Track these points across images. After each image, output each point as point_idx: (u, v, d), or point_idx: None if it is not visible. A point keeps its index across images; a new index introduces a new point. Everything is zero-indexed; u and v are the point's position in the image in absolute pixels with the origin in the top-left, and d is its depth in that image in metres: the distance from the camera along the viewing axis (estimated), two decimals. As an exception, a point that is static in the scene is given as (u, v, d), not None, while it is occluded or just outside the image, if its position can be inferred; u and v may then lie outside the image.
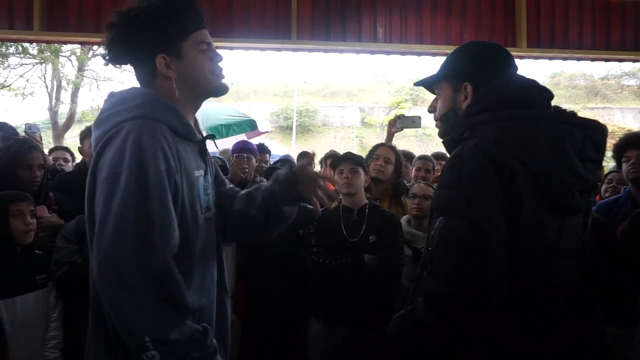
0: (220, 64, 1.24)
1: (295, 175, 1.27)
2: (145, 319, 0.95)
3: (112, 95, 1.18)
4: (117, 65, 1.21)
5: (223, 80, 1.25)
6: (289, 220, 1.37)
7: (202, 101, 1.27)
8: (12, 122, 2.75)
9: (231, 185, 1.45)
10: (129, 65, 1.20)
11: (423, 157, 3.59)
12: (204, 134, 1.30)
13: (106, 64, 1.20)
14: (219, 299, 1.27)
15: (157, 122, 1.08)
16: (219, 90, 1.24)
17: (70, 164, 3.73)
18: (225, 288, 1.34)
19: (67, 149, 4.07)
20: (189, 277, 1.11)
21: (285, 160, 3.71)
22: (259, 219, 1.31)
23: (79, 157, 3.41)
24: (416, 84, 1.45)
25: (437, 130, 1.36)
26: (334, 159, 2.47)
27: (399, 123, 3.07)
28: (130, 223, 0.95)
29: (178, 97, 1.17)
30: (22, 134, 2.70)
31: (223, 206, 1.35)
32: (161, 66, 1.15)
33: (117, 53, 1.17)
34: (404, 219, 2.59)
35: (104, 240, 0.95)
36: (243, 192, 1.37)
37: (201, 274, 1.17)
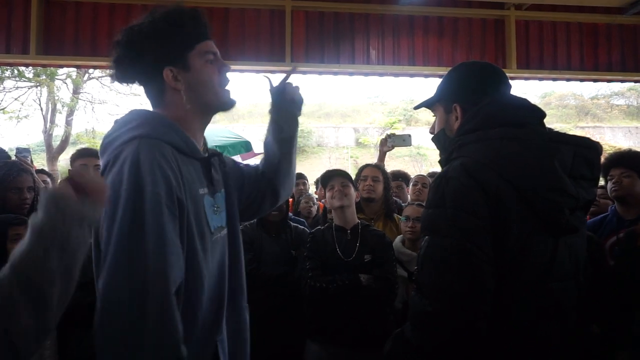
0: (227, 75, 1.23)
1: (277, 94, 1.44)
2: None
3: (116, 121, 1.16)
4: (126, 84, 1.19)
5: (231, 96, 1.24)
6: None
7: (211, 116, 1.25)
8: (6, 145, 2.76)
9: (254, 165, 1.50)
10: (136, 83, 1.19)
11: (419, 175, 3.73)
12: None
13: (112, 82, 1.18)
14: (236, 316, 1.25)
15: (157, 140, 1.06)
16: (227, 104, 1.23)
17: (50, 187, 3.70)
18: (244, 306, 1.31)
19: (47, 173, 4.04)
20: (196, 305, 1.08)
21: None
22: (285, 154, 1.45)
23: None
24: (416, 108, 1.49)
25: (430, 149, 1.38)
26: (322, 177, 2.48)
27: (390, 142, 3.11)
28: (125, 256, 0.93)
29: (187, 112, 1.16)
30: (13, 157, 2.69)
31: (258, 182, 1.43)
32: (169, 79, 1.14)
33: (124, 71, 1.16)
34: (398, 239, 2.59)
35: (105, 272, 0.94)
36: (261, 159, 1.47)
37: (209, 299, 1.14)
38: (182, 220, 1.03)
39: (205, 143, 1.30)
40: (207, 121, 1.26)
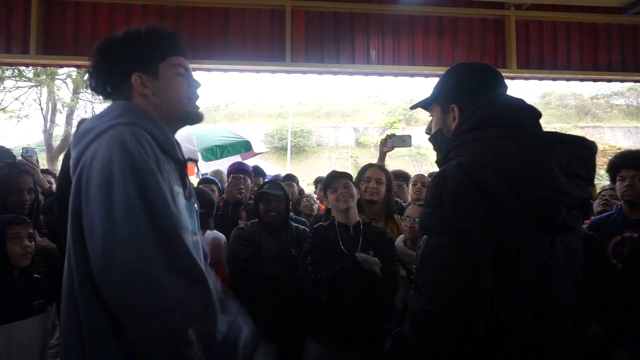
0: (197, 92, 1.24)
1: None
2: (186, 307, 0.94)
3: (84, 119, 1.20)
4: (98, 94, 1.21)
5: (199, 110, 1.25)
6: None
7: (176, 128, 1.25)
8: (7, 145, 2.76)
9: None
10: (107, 95, 1.21)
11: (419, 174, 3.72)
12: (199, 156, 1.30)
13: (86, 89, 1.20)
14: None
15: (138, 127, 1.07)
16: (193, 116, 1.24)
17: (54, 187, 3.70)
18: None
19: (51, 173, 4.04)
20: None
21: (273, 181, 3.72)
22: None
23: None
24: (412, 107, 1.49)
25: (430, 149, 1.38)
26: (324, 182, 2.47)
27: (390, 142, 3.10)
28: (141, 228, 0.94)
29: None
30: (19, 157, 2.70)
31: None
32: (137, 83, 1.16)
33: (97, 76, 1.19)
34: (399, 239, 2.59)
35: (118, 248, 0.93)
36: None
37: None
38: None
39: (179, 148, 1.29)
40: (172, 132, 1.23)
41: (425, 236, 1.11)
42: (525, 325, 1.08)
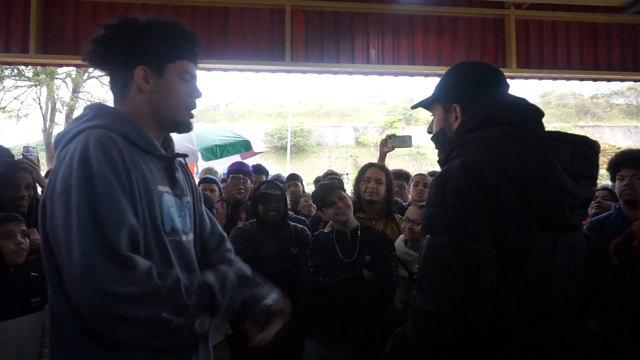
0: (196, 102, 1.22)
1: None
2: (149, 303, 0.95)
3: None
4: (96, 67, 1.19)
5: (190, 120, 1.22)
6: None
7: (164, 132, 1.22)
8: (6, 144, 2.76)
9: (215, 231, 1.38)
10: (107, 72, 1.19)
11: (420, 174, 3.66)
12: (198, 155, 1.28)
13: (85, 60, 1.16)
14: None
15: (107, 130, 1.05)
16: (183, 126, 1.21)
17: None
18: None
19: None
20: None
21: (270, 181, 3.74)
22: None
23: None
24: (413, 107, 1.49)
25: (430, 149, 1.38)
26: (317, 199, 2.46)
27: (390, 143, 3.10)
28: (91, 237, 0.93)
29: (144, 115, 1.15)
30: (18, 156, 2.70)
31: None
32: (139, 77, 1.13)
33: (101, 52, 1.14)
34: (400, 239, 2.59)
35: (76, 258, 0.92)
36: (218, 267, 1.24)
37: None
38: (135, 208, 1.02)
39: (171, 144, 1.28)
40: (158, 134, 1.21)
41: (428, 236, 1.10)
42: (527, 325, 1.08)
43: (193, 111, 1.23)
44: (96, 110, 1.12)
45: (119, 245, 0.94)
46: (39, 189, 2.45)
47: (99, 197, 0.96)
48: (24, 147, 2.70)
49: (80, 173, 0.97)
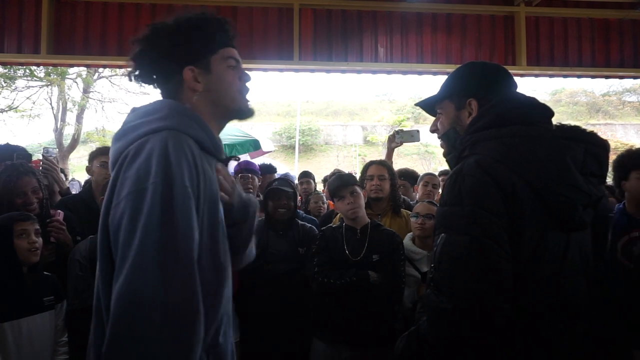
0: (247, 85, 1.22)
1: None
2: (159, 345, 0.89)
3: (134, 109, 1.13)
4: (143, 83, 1.17)
5: (250, 105, 1.20)
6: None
7: (226, 122, 1.22)
8: (18, 144, 2.78)
9: None
10: (154, 83, 1.17)
11: (430, 174, 3.63)
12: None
13: (130, 80, 1.15)
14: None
15: (183, 134, 1.03)
16: (245, 111, 1.20)
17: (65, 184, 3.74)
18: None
19: (63, 171, 4.06)
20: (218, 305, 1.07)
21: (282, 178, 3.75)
22: None
23: (82, 177, 3.41)
24: (417, 105, 1.48)
25: (439, 147, 1.37)
26: (331, 189, 2.45)
27: (398, 138, 3.09)
28: (155, 243, 0.91)
29: (203, 114, 1.13)
30: (39, 156, 2.71)
31: None
32: (189, 78, 1.12)
33: (143, 68, 1.14)
34: (407, 237, 2.58)
35: (129, 259, 0.90)
36: None
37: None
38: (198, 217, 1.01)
39: (221, 145, 1.29)
40: (222, 125, 1.22)
41: (443, 234, 1.10)
42: (543, 322, 1.08)
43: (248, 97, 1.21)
44: (170, 108, 1.09)
45: (193, 260, 0.94)
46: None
47: (178, 207, 0.94)
48: (43, 149, 2.71)
49: (160, 179, 0.94)
